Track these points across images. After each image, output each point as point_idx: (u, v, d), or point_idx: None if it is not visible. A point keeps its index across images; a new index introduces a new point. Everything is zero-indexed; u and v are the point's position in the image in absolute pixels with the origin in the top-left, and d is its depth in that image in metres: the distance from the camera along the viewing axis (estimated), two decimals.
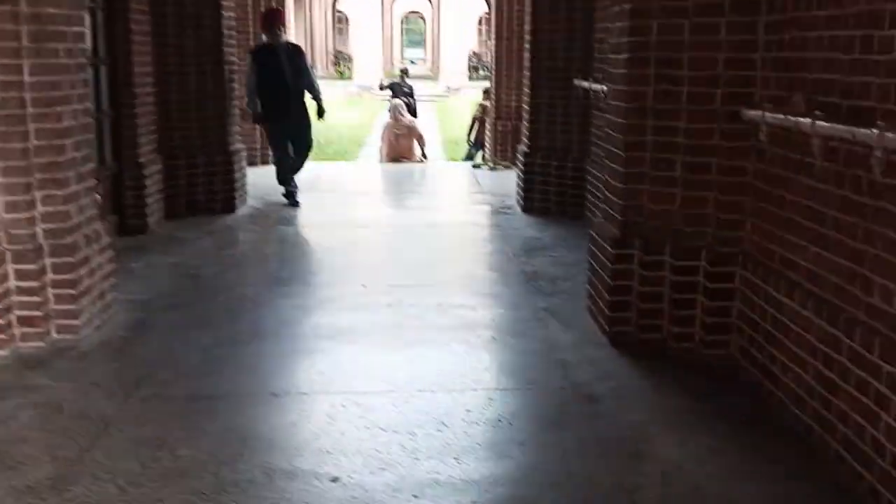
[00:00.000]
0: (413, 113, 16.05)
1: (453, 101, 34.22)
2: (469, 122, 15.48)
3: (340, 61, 49.63)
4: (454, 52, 42.08)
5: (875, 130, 2.76)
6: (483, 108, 14.69)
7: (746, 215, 4.32)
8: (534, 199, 8.57)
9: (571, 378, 4.29)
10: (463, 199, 9.66)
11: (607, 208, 4.98)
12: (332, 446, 3.49)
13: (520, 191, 8.81)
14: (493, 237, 7.61)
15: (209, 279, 6.05)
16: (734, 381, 4.22)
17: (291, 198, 8.71)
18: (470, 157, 14.77)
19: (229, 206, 8.40)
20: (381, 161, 14.27)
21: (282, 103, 8.50)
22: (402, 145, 14.10)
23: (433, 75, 46.23)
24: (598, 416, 3.84)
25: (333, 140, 20.53)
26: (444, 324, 5.12)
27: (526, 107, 8.76)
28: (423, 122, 16.98)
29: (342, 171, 12.26)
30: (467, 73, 42.27)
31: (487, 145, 12.62)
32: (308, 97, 8.84)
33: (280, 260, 6.81)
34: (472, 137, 14.99)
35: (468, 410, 3.88)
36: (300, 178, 9.06)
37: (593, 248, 5.18)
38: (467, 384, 4.19)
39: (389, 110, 14.63)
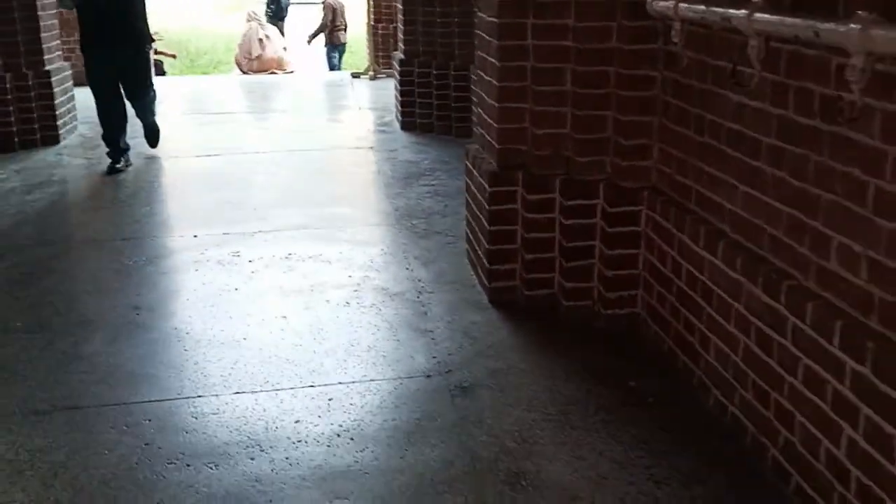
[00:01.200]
0: (282, 13, 14.43)
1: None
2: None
3: None
4: None
5: (854, 25, 1.78)
6: (330, 6, 13.25)
7: (654, 140, 3.38)
8: (414, 115, 7.47)
9: (441, 359, 3.33)
10: (335, 117, 8.46)
11: (483, 133, 3.96)
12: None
13: (398, 105, 7.70)
14: (364, 163, 6.50)
15: None
16: (642, 354, 3.34)
17: (114, 162, 6.20)
18: (332, 65, 13.44)
19: (51, 137, 7.04)
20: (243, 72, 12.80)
21: (99, 22, 6.06)
22: (265, 59, 12.65)
23: None
24: (469, 420, 2.90)
25: (207, 49, 18.74)
26: (289, 286, 4.08)
27: (399, 6, 7.57)
28: (296, 24, 15.41)
29: (206, 85, 10.83)
30: None
31: (368, 52, 11.34)
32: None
33: (96, 206, 5.58)
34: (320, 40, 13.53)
35: (297, 422, 2.89)
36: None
37: (469, 182, 4.18)
38: (302, 379, 3.19)
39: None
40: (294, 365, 3.30)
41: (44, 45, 6.93)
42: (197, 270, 4.29)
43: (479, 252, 3.97)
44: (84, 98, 8.96)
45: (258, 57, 12.61)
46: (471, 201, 4.14)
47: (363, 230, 4.92)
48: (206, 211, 5.32)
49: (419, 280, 4.14)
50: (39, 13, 6.85)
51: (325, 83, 10.67)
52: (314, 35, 13.66)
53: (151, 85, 6.56)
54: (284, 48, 13.12)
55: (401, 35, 7.59)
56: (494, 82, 3.69)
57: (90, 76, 6.28)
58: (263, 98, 9.73)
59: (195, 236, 4.79)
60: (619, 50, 3.36)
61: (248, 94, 10.02)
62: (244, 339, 3.53)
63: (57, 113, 7.05)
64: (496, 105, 3.69)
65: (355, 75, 10.85)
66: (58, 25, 7.31)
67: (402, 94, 7.49)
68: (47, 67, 6.98)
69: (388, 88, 9.75)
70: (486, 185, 3.74)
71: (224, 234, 4.83)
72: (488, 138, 3.85)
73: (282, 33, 13.64)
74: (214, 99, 9.74)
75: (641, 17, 3.22)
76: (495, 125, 3.71)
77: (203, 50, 18.68)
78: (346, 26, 13.65)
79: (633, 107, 3.37)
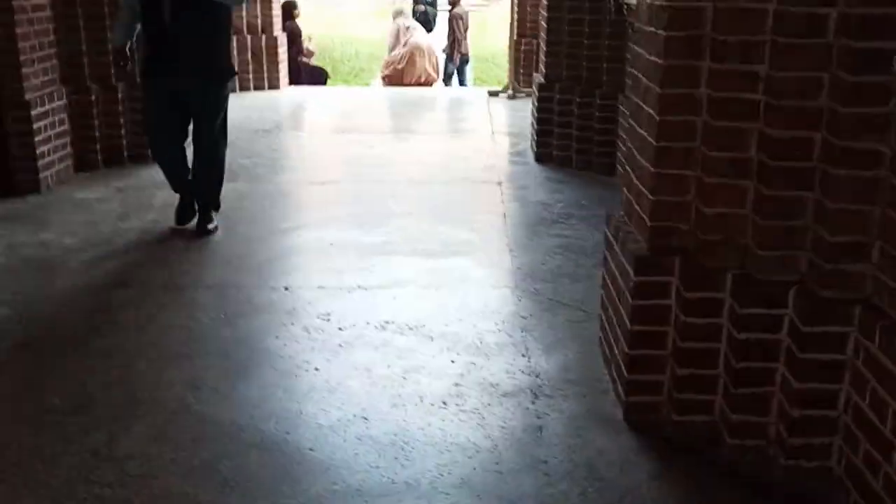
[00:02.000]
0: (429, 25, 13.87)
1: (494, 10, 31.61)
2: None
3: None
4: None
5: None
6: (456, 17, 12.59)
7: (873, 238, 2.43)
8: (551, 146, 6.64)
9: None
10: (465, 142, 7.72)
11: (631, 201, 3.11)
12: None
13: (534, 134, 6.89)
14: (490, 202, 5.72)
15: (69, 275, 4.33)
16: None
17: (183, 219, 5.05)
18: (448, 75, 12.81)
19: (25, 185, 6.52)
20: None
21: (162, 44, 4.71)
22: (408, 69, 12.06)
23: None
24: None
25: (350, 57, 18.50)
26: (378, 369, 3.36)
27: (543, 23, 6.75)
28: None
29: (337, 97, 10.35)
30: None
31: (508, 69, 10.57)
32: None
33: (188, 240, 4.99)
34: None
35: None
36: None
37: (609, 257, 3.33)
38: None
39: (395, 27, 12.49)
40: (364, 498, 2.56)
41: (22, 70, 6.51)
42: (277, 338, 3.64)
43: (616, 352, 3.12)
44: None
45: (403, 60, 12.02)
46: (609, 284, 3.29)
47: (477, 293, 4.14)
48: (307, 254, 4.68)
49: (537, 375, 3.32)
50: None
51: (459, 101, 9.97)
52: (450, 48, 13.07)
53: (222, 132, 5.13)
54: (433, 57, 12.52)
55: (542, 56, 6.77)
56: (651, 140, 2.84)
57: (145, 110, 5.21)
58: (392, 115, 9.12)
59: (286, 289, 4.15)
60: (832, 111, 2.44)
61: (376, 111, 9.45)
62: (310, 449, 2.82)
63: (38, 151, 6.52)
64: (652, 170, 2.83)
65: (493, 93, 10.10)
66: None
67: (540, 121, 6.67)
68: (28, 99, 6.57)
69: (527, 110, 8.94)
70: (631, 271, 2.89)
71: (319, 287, 4.17)
72: (638, 210, 2.99)
73: None
74: (343, 114, 9.22)
75: (870, 68, 2.30)
76: (649, 195, 2.85)
77: (346, 57, 18.45)
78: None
79: (846, 189, 2.43)
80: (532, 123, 7.04)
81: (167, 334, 3.69)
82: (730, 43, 2.59)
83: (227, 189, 5.81)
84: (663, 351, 2.89)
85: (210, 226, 4.98)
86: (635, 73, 3.11)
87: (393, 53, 12.21)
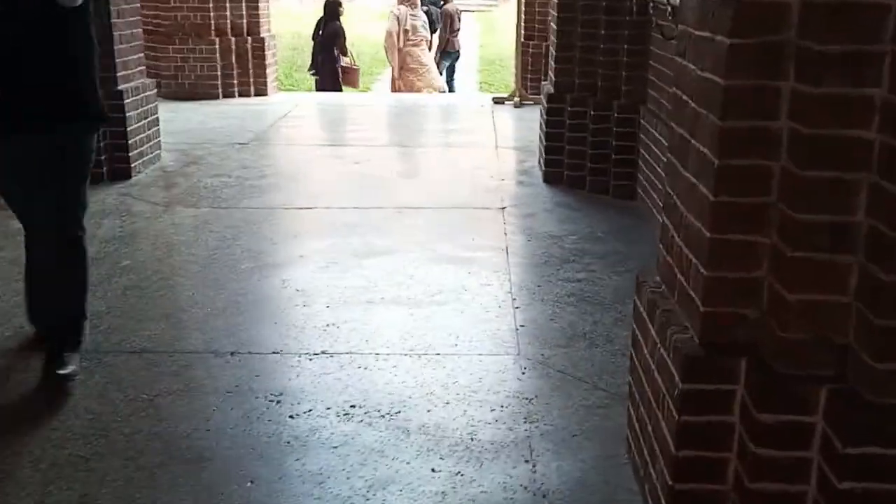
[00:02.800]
0: (433, 26, 13.04)
1: (502, 11, 30.76)
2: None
3: None
4: None
5: None
6: (447, 14, 11.89)
7: None
8: (561, 165, 5.81)
9: None
10: (465, 159, 6.86)
11: (674, 272, 2.27)
12: None
13: (542, 150, 6.06)
14: (490, 233, 4.88)
15: None
16: None
17: (52, 356, 3.11)
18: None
19: (121, 171, 5.83)
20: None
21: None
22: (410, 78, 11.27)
23: None
24: None
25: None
26: (339, 477, 2.54)
27: (553, 25, 5.92)
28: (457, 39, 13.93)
29: (332, 105, 9.53)
30: None
31: (514, 74, 9.74)
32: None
33: (132, 283, 4.21)
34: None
35: None
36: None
37: (639, 337, 2.50)
38: None
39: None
40: None
41: (117, 60, 5.72)
42: (208, 432, 2.81)
43: (653, 475, 2.29)
44: (175, 120, 7.87)
45: (407, 57, 11.20)
46: (642, 375, 2.45)
47: (470, 363, 3.31)
48: (266, 305, 3.86)
49: (544, 495, 2.49)
50: (114, 20, 5.65)
51: (461, 109, 9.13)
52: (440, 51, 12.30)
53: (78, 191, 3.10)
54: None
55: (552, 62, 5.94)
56: (705, 191, 2.01)
57: None
58: (388, 126, 8.30)
59: (232, 354, 3.33)
60: None
61: (371, 120, 8.62)
62: None
63: (129, 142, 5.84)
64: (706, 233, 2.00)
65: (498, 101, 9.27)
66: (139, 36, 6.11)
67: (549, 136, 5.84)
68: (120, 87, 5.77)
69: (535, 121, 8.12)
70: (677, 374, 2.06)
71: (274, 353, 3.36)
72: (684, 284, 2.16)
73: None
74: (334, 123, 8.41)
75: None
76: (702, 268, 2.03)
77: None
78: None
79: None
80: (540, 137, 6.21)
81: (61, 421, 2.87)
82: (829, 54, 1.76)
83: (183, 216, 4.99)
84: (723, 486, 2.06)
85: (66, 370, 3.04)
86: (679, 94, 2.28)
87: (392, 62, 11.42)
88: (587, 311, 3.78)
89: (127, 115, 5.80)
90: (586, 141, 5.64)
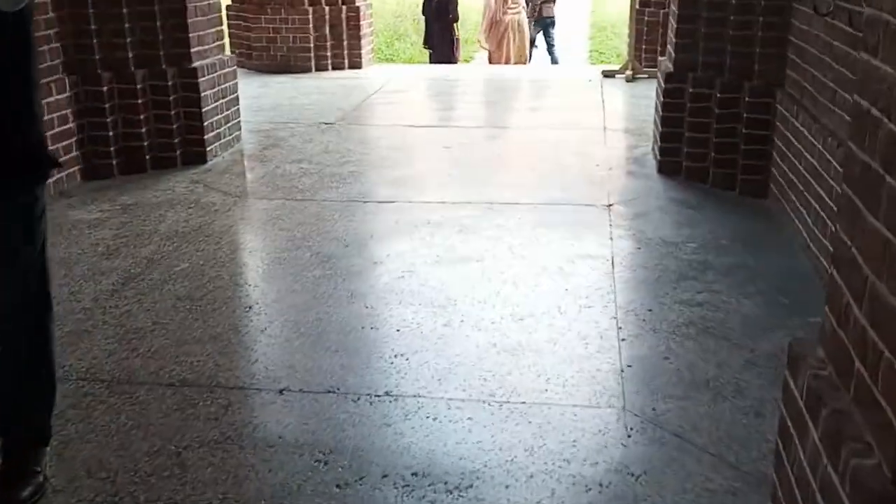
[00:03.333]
0: None
1: None
2: None
3: None
4: None
5: None
6: None
7: None
8: (680, 154, 5.07)
9: None
10: (568, 143, 6.15)
11: (849, 351, 1.60)
12: None
13: (657, 136, 5.32)
14: (593, 238, 4.22)
15: None
16: None
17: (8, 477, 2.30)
18: (531, 41, 11.16)
19: (196, 156, 5.43)
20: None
21: None
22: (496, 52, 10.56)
23: None
24: None
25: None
26: None
27: None
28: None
29: (427, 79, 8.96)
30: None
31: (626, 44, 8.91)
32: None
33: (194, 304, 3.77)
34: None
35: None
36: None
37: (795, 440, 1.84)
38: None
39: None
40: None
41: (191, 34, 5.28)
42: None
43: None
44: (263, 96, 7.45)
45: (496, 27, 10.52)
46: (794, 485, 1.80)
47: (558, 420, 2.68)
48: (329, 335, 3.33)
49: None
50: None
51: (567, 83, 8.39)
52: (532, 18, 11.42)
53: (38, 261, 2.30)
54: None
55: (671, 35, 5.17)
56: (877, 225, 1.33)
57: None
58: (485, 103, 7.65)
59: (281, 392, 2.84)
60: None
61: (467, 96, 8.00)
62: None
63: (204, 124, 5.42)
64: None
65: (608, 74, 8.49)
66: (216, 7, 5.66)
67: (666, 121, 5.09)
68: (195, 64, 5.34)
69: (649, 98, 7.34)
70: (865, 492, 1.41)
71: (330, 391, 2.83)
72: (870, 387, 1.49)
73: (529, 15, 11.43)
74: (427, 101, 7.83)
75: None
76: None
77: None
78: None
79: None
80: (655, 121, 5.47)
81: (69, 481, 2.42)
82: None
83: (254, 209, 4.55)
84: None
85: (24, 493, 2.27)
86: (865, 105, 1.59)
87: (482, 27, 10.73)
88: (710, 349, 3.10)
89: (202, 94, 5.38)
90: (710, 127, 4.88)
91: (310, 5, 8.74)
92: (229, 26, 9.22)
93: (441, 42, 10.62)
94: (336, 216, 4.52)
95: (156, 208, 4.64)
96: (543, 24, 11.75)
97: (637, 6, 8.44)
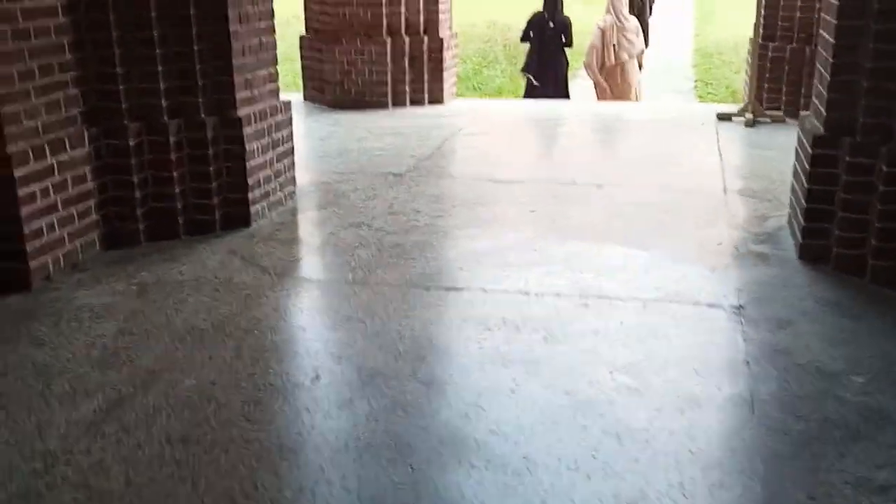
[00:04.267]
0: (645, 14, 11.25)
1: None
2: None
3: None
4: None
5: None
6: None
7: None
8: (829, 236, 4.00)
9: None
10: (675, 205, 5.10)
11: None
12: None
13: (799, 212, 4.25)
14: (715, 360, 3.19)
15: None
16: None
17: None
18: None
19: (238, 217, 4.65)
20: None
21: None
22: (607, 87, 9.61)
23: None
24: None
25: (498, 53, 15.94)
26: None
27: (827, 35, 4.06)
28: (659, 20, 11.89)
29: (510, 116, 8.05)
30: None
31: (745, 87, 7.80)
32: None
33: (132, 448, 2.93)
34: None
35: None
36: None
37: None
38: None
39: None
40: None
41: (236, 78, 4.51)
42: None
43: None
44: (331, 137, 6.69)
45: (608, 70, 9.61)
46: None
47: None
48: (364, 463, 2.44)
49: None
50: (232, 28, 4.43)
51: (673, 126, 7.34)
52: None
53: None
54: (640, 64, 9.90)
55: (821, 87, 4.10)
56: None
57: None
58: (578, 150, 6.64)
59: None
60: None
61: (559, 139, 7.04)
62: None
63: (249, 181, 4.63)
64: None
65: (723, 116, 7.40)
66: (271, 45, 4.86)
67: (812, 196, 4.02)
68: (240, 112, 4.56)
69: (775, 148, 6.29)
70: None
71: None
72: None
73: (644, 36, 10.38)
74: (512, 145, 6.89)
75: None
76: None
77: (503, 53, 15.94)
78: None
79: None
80: (795, 190, 4.40)
81: None
82: None
83: (293, 296, 3.70)
84: None
85: None
86: None
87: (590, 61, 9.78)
88: None
89: (247, 147, 4.59)
90: (872, 207, 3.80)
91: (388, 36, 7.96)
92: (302, 58, 8.54)
93: (549, 74, 9.68)
94: (390, 309, 3.63)
95: (177, 289, 3.84)
96: None
97: (760, 40, 7.34)
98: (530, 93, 9.82)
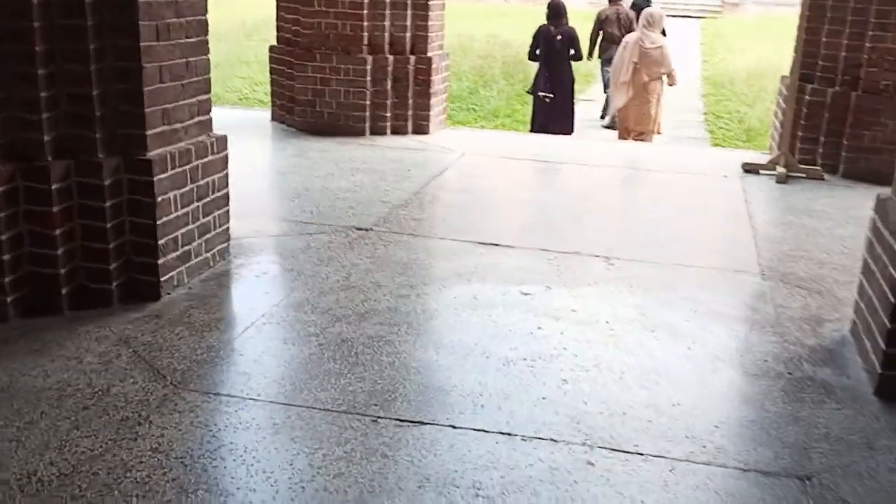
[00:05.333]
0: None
1: (727, 21, 27.06)
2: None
3: None
4: None
5: None
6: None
7: None
8: None
9: None
10: (703, 304, 4.03)
11: None
12: None
13: (874, 325, 3.20)
14: None
15: None
16: None
17: None
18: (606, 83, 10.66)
19: (143, 287, 3.59)
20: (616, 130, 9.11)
21: None
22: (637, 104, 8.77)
23: None
24: None
25: (504, 73, 14.85)
26: None
27: None
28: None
29: (504, 156, 7.02)
30: None
31: (776, 134, 6.79)
32: None
33: None
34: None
35: None
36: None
37: None
38: None
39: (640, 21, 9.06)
40: None
41: (148, 109, 3.46)
42: None
43: None
44: (293, 170, 5.68)
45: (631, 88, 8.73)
46: None
47: None
48: None
49: None
50: (144, 43, 3.38)
51: (690, 177, 6.30)
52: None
53: None
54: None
55: None
56: None
57: None
58: (576, 206, 5.57)
59: None
60: None
61: (552, 192, 5.99)
62: None
63: (160, 241, 3.57)
64: None
65: (750, 168, 6.39)
66: (202, 68, 3.80)
67: (893, 313, 3.00)
68: (151, 152, 3.50)
69: (817, 213, 5.31)
70: None
71: None
72: None
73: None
74: (503, 198, 5.84)
75: None
76: None
77: (502, 73, 14.86)
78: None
79: None
80: (869, 293, 3.36)
81: None
82: None
83: (187, 421, 2.59)
84: None
85: None
86: None
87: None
88: None
89: (158, 198, 3.53)
90: None
91: (369, 53, 6.92)
92: (271, 72, 7.49)
93: (555, 87, 8.99)
94: (317, 458, 2.57)
95: (30, 404, 2.78)
96: (609, 60, 10.88)
97: (798, 80, 6.32)
98: (539, 114, 9.11)
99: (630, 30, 10.24)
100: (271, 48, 7.52)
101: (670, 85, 8.88)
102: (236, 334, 3.41)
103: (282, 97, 7.35)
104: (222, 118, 6.47)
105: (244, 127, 7.14)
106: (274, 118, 7.47)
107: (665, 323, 3.67)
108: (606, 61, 11.13)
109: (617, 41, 10.65)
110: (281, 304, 3.68)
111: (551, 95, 9.12)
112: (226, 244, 4.12)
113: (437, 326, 3.57)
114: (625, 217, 5.31)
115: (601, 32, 11.30)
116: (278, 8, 7.40)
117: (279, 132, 7.13)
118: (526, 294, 3.93)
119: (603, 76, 11.76)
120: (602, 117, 11.74)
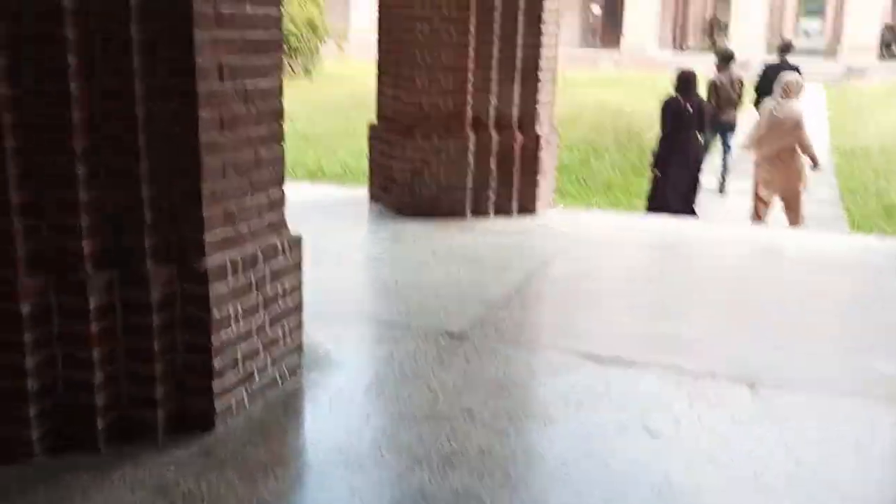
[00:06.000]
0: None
1: (853, 87, 25.63)
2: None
3: (715, 29, 41.95)
4: (862, 21, 32.43)
5: None
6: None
7: None
8: None
9: None
10: (844, 463, 3.21)
11: None
12: None
13: None
14: None
15: None
16: None
17: None
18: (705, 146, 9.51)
19: (195, 416, 3.07)
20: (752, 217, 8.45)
21: None
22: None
23: (830, 51, 36.86)
24: None
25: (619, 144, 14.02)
26: None
27: None
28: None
29: (622, 243, 6.32)
30: (878, 49, 32.55)
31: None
32: None
33: None
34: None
35: None
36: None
37: None
38: None
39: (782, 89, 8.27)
40: None
41: (207, 211, 2.98)
42: None
43: None
44: (386, 260, 5.16)
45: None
46: None
47: None
48: None
49: None
50: (205, 138, 2.91)
51: (842, 271, 5.43)
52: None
53: None
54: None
55: None
56: None
57: None
58: (709, 310, 4.78)
59: None
60: None
61: (678, 288, 5.21)
62: None
63: (216, 362, 3.05)
64: None
65: None
66: (274, 159, 3.32)
67: None
68: (210, 260, 3.01)
69: None
70: None
71: None
72: None
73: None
74: (616, 297, 5.12)
75: None
76: None
77: (614, 143, 14.12)
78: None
79: None
80: None
81: None
82: None
83: None
84: None
85: None
86: None
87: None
88: None
89: (215, 313, 3.02)
90: None
91: (472, 130, 6.41)
92: (370, 150, 7.07)
93: (682, 165, 8.34)
94: None
95: None
96: (721, 128, 10.62)
97: None
98: (660, 191, 8.42)
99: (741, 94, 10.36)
100: (371, 126, 7.11)
101: (812, 167, 8.09)
102: (294, 483, 2.82)
103: (380, 176, 6.90)
104: (319, 197, 5.92)
105: (339, 206, 6.75)
106: (372, 197, 7.03)
107: (830, 483, 2.87)
108: (723, 129, 10.66)
109: (734, 105, 10.37)
110: (352, 437, 3.09)
111: (659, 175, 8.51)
112: (297, 358, 3.58)
113: (540, 480, 2.89)
114: (765, 324, 4.50)
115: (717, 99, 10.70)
116: (379, 83, 7.01)
117: (375, 213, 6.66)
118: (649, 430, 3.21)
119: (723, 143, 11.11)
120: (720, 190, 11.04)
